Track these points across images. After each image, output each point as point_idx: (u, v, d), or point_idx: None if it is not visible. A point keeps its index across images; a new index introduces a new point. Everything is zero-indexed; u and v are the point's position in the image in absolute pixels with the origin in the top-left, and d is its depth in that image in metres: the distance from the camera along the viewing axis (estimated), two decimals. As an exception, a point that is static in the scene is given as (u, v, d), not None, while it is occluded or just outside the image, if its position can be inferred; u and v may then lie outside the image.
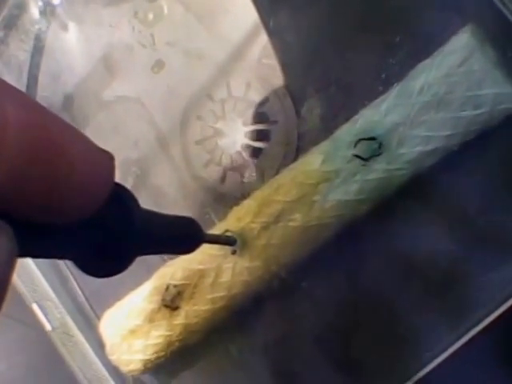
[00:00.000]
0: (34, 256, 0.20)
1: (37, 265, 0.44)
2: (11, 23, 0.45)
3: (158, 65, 0.42)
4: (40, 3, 0.45)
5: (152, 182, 0.43)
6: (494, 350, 0.35)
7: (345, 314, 0.37)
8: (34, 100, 0.17)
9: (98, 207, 0.19)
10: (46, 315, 0.43)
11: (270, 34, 0.39)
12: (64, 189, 0.17)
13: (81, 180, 0.18)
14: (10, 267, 0.16)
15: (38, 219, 0.17)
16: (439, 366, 0.34)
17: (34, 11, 0.45)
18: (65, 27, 0.45)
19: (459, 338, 0.34)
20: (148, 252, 0.25)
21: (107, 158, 0.19)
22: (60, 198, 0.17)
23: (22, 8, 0.45)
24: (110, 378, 0.43)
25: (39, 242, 0.19)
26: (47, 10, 0.45)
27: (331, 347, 0.37)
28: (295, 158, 0.38)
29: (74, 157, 0.17)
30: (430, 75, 0.33)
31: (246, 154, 0.40)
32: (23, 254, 0.17)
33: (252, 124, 0.40)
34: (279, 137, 0.39)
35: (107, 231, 0.21)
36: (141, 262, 0.24)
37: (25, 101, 0.16)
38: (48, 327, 0.43)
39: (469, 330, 0.33)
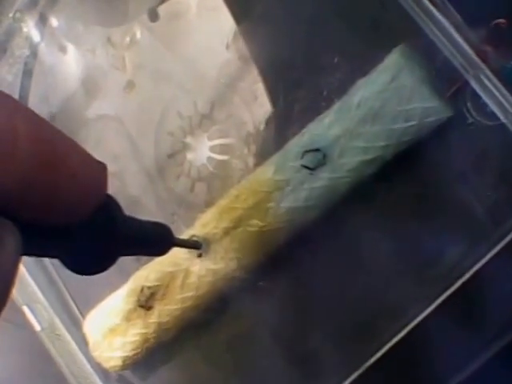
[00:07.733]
0: (31, 255, 0.22)
1: (27, 269, 0.46)
2: (0, 49, 0.49)
3: (129, 85, 0.45)
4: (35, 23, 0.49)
5: (130, 193, 0.46)
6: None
7: (299, 309, 0.40)
8: (40, 116, 0.18)
9: (93, 210, 0.21)
10: (35, 316, 0.45)
11: (227, 57, 0.42)
12: (65, 194, 0.19)
13: (80, 186, 0.20)
14: (16, 263, 0.17)
15: (41, 221, 0.19)
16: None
17: (22, 38, 0.49)
18: (53, 50, 0.48)
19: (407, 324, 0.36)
20: (127, 253, 0.27)
21: (102, 168, 0.21)
22: (61, 203, 0.19)
23: (10, 35, 0.48)
24: (94, 374, 0.45)
25: (39, 242, 0.21)
26: (43, 30, 0.49)
27: (287, 340, 0.40)
28: (253, 169, 0.41)
29: (74, 166, 0.19)
30: (366, 91, 0.36)
31: (210, 166, 0.43)
32: (23, 253, 0.19)
33: (216, 139, 0.43)
34: (239, 150, 0.42)
35: (95, 233, 0.23)
36: (120, 266, 0.26)
37: (33, 117, 0.18)
38: (37, 327, 0.45)
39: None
